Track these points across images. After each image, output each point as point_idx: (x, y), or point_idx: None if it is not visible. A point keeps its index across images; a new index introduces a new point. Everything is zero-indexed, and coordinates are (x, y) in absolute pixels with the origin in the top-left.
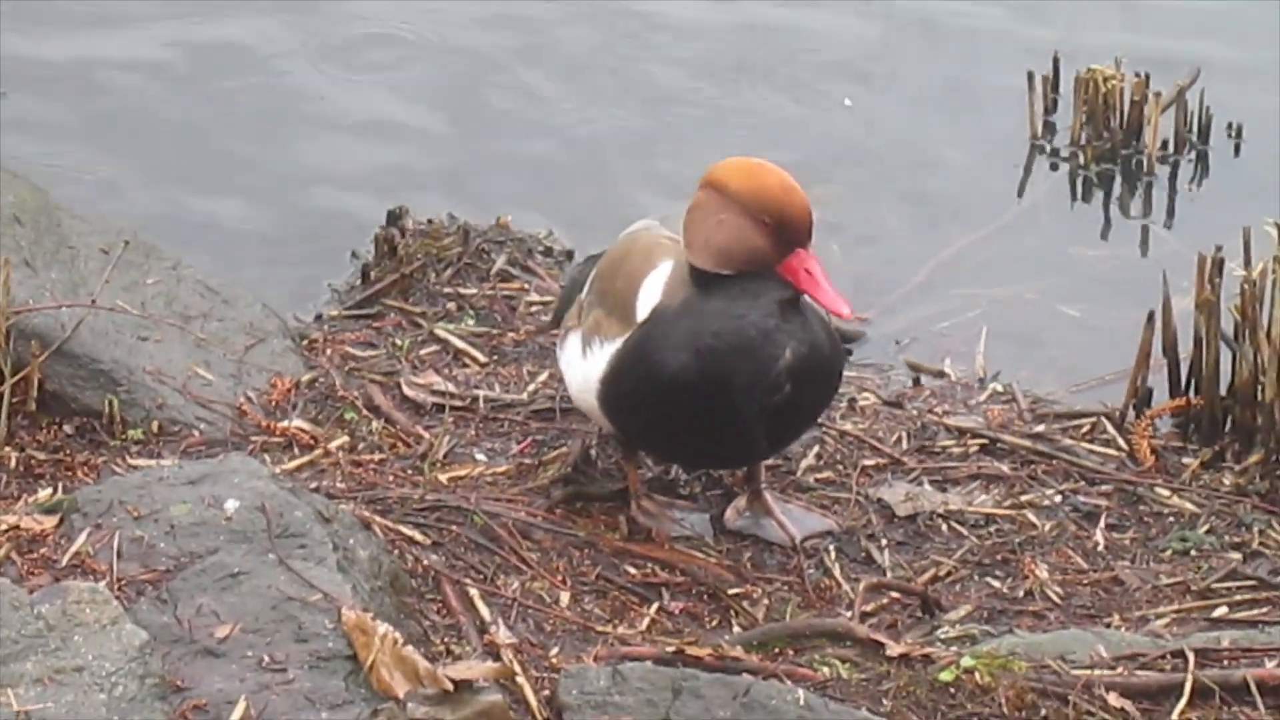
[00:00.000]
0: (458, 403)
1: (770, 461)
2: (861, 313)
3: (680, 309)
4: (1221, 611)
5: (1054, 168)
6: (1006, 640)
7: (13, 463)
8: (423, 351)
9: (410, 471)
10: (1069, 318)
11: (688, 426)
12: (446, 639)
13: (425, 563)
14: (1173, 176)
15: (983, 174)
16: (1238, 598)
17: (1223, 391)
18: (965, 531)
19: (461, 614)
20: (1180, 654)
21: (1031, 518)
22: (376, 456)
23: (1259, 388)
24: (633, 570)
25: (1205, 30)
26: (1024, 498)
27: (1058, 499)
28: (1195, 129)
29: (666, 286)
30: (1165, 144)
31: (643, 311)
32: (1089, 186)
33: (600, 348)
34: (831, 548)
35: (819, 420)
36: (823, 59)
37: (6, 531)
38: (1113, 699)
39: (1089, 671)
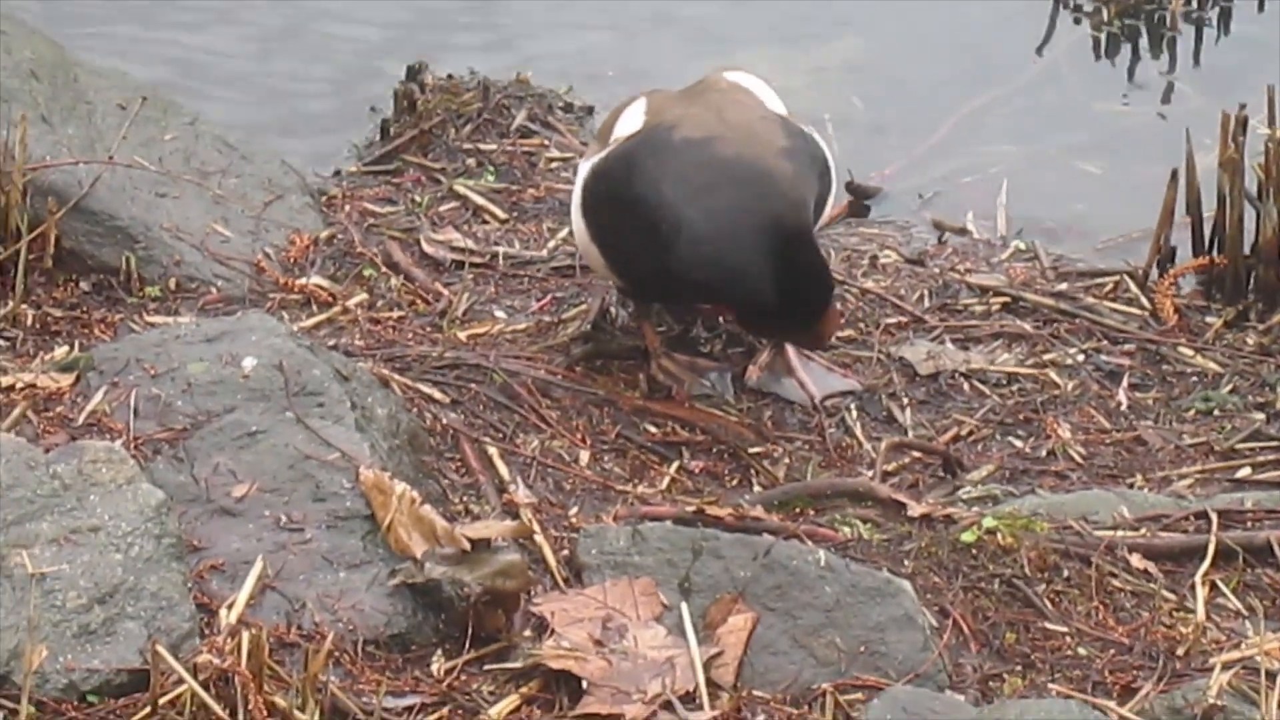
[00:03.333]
0: (477, 259)
1: None
2: (883, 169)
3: (668, 131)
4: (1245, 472)
5: (1077, 23)
6: (1029, 501)
7: (29, 320)
8: (442, 208)
9: (429, 329)
10: (1092, 175)
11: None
12: (465, 498)
13: (444, 421)
14: (1197, 33)
15: (1005, 29)
16: (1261, 458)
17: (1246, 250)
18: (987, 390)
19: (480, 473)
20: (1203, 515)
21: (1054, 377)
22: (395, 314)
23: None
24: (652, 429)
25: None
26: (1046, 356)
27: (1080, 358)
28: None
29: (647, 114)
30: (1189, 0)
31: (620, 133)
32: (1112, 43)
33: (585, 163)
34: (853, 406)
35: None
36: None
37: (23, 390)
38: (1135, 560)
39: (1112, 532)
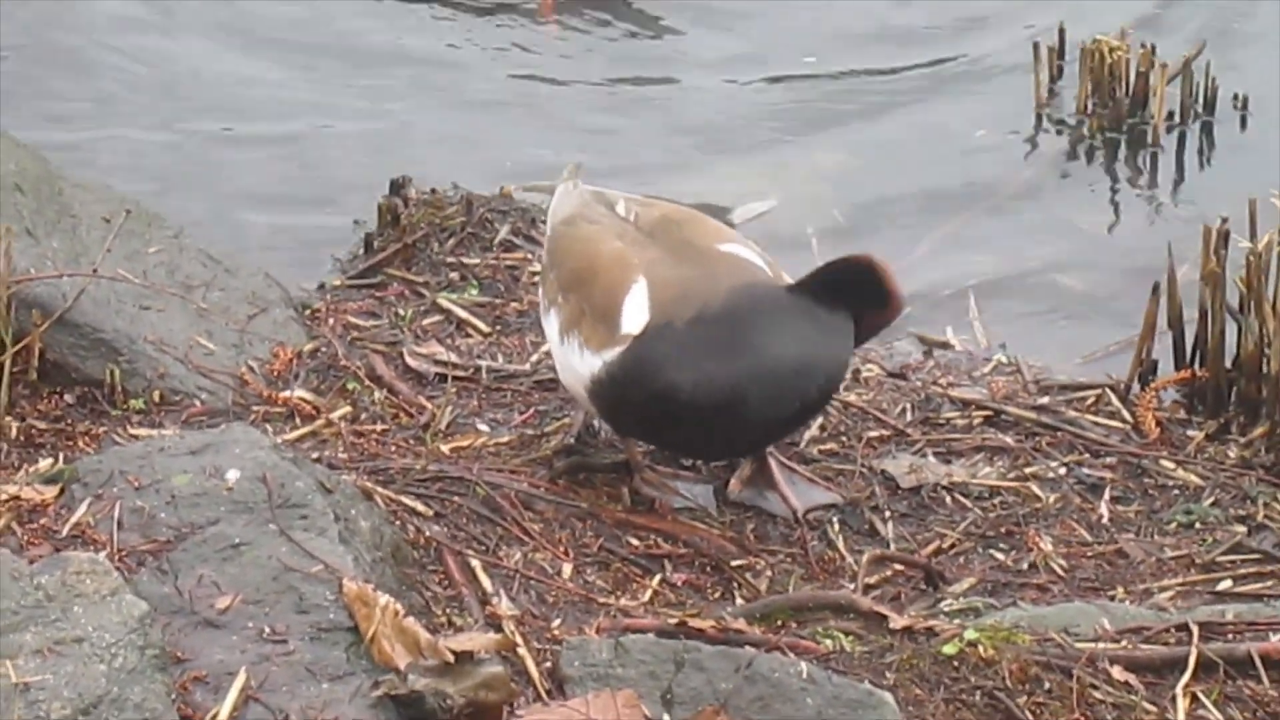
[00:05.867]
0: (460, 373)
1: None
2: None
3: (686, 329)
4: (1226, 585)
5: (1059, 135)
6: (1010, 613)
7: (13, 432)
8: (425, 321)
9: (412, 442)
10: (1074, 289)
11: (685, 433)
12: (448, 610)
13: (427, 534)
14: (1179, 147)
15: (987, 144)
16: (1242, 571)
17: (1228, 364)
18: (969, 504)
19: (463, 585)
20: (1184, 627)
21: (1036, 490)
22: (379, 427)
23: (1264, 360)
24: (635, 542)
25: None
26: (1028, 470)
27: (1062, 471)
28: (1201, 100)
29: (653, 305)
30: (1171, 114)
31: (629, 324)
32: (1094, 157)
33: (587, 349)
34: (835, 519)
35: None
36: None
37: (7, 501)
38: (1116, 672)
39: (1093, 645)
